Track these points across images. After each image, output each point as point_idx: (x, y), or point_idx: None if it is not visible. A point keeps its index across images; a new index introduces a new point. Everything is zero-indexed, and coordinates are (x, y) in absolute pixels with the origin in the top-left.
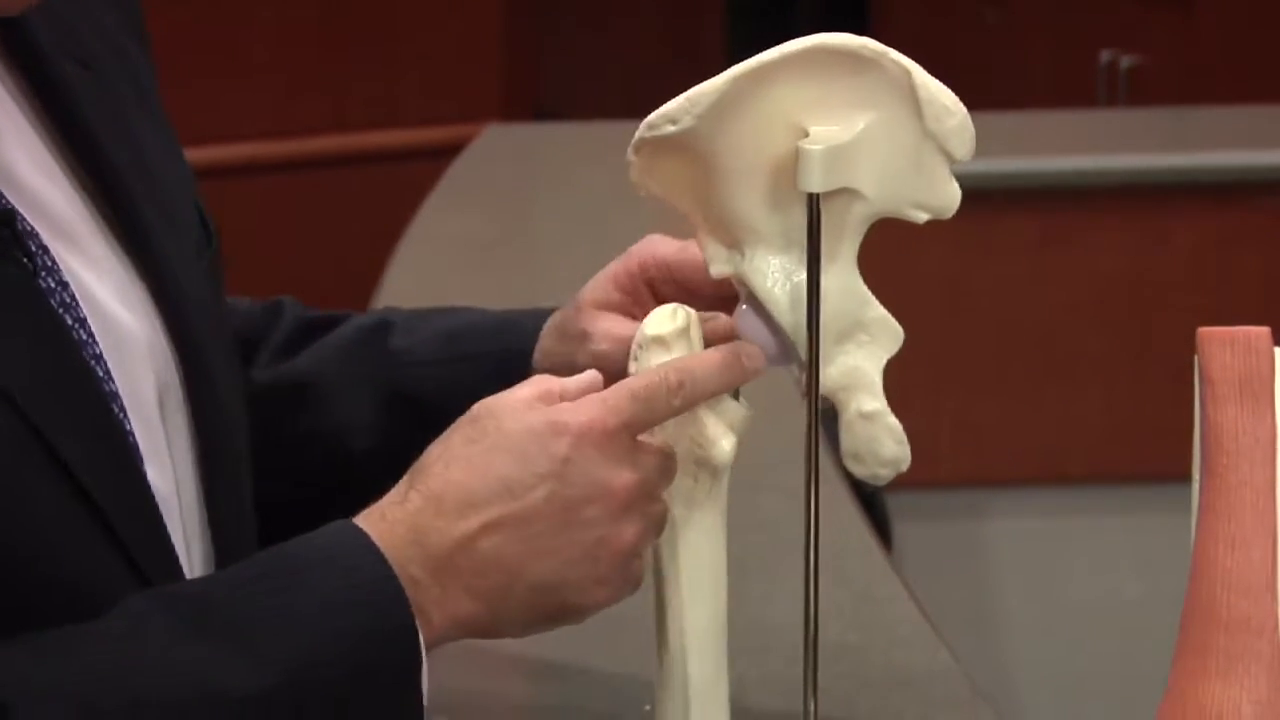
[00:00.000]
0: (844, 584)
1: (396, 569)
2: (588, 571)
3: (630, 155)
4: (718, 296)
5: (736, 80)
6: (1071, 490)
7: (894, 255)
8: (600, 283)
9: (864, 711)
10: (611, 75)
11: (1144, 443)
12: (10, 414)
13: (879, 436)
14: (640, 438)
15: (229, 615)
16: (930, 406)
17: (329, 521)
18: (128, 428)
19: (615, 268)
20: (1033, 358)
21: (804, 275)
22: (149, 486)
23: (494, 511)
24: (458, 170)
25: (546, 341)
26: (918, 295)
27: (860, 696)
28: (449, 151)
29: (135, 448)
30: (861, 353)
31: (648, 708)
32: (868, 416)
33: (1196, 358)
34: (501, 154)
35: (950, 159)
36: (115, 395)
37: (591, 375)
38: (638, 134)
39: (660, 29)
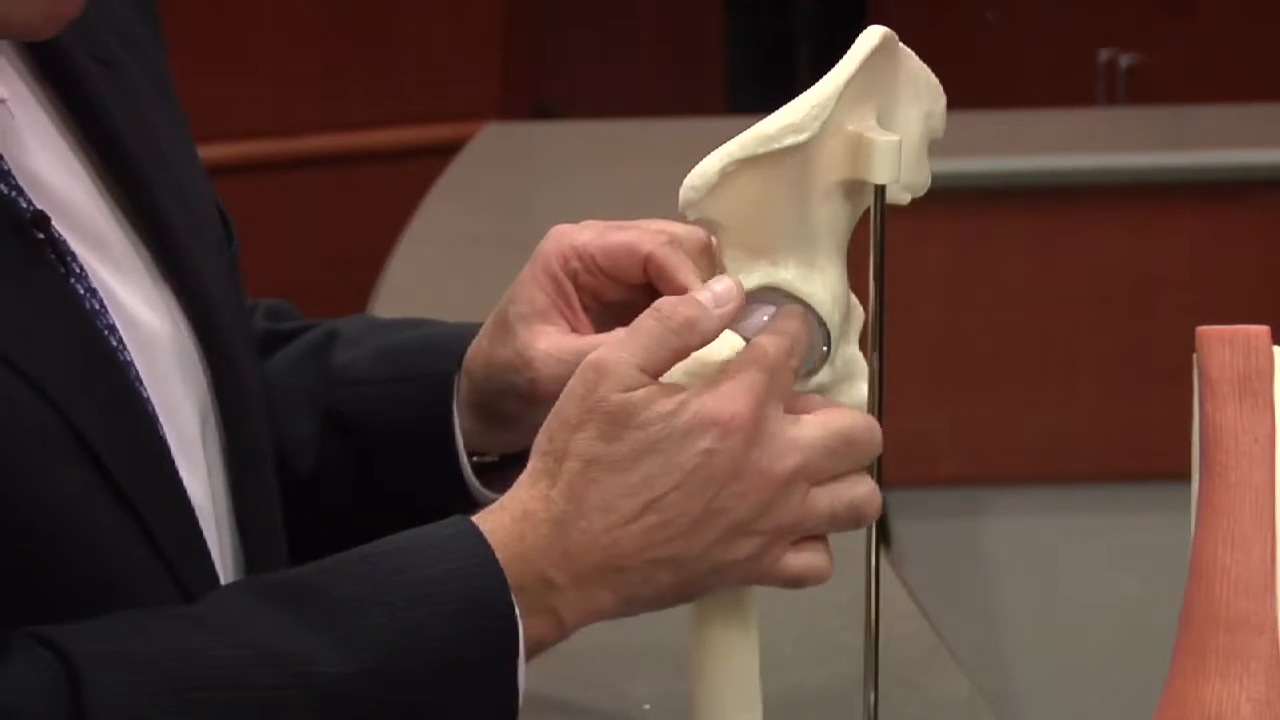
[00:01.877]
0: (842, 582)
1: (534, 569)
2: (726, 556)
3: (714, 177)
4: (639, 285)
5: (847, 83)
6: (1071, 489)
7: (893, 254)
8: (522, 291)
9: (862, 709)
10: (611, 74)
11: (1143, 441)
12: (53, 416)
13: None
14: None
15: (323, 597)
16: (929, 405)
17: (290, 540)
18: (160, 433)
19: (533, 270)
20: (1032, 356)
21: (834, 274)
22: (185, 492)
23: (636, 514)
24: (457, 169)
25: (477, 373)
26: (917, 294)
27: (858, 694)
28: (448, 150)
29: (170, 453)
30: (845, 340)
31: (647, 707)
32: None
33: (1196, 356)
34: (500, 153)
35: (934, 139)
36: (147, 401)
37: (728, 290)
38: (741, 152)
39: (660, 28)
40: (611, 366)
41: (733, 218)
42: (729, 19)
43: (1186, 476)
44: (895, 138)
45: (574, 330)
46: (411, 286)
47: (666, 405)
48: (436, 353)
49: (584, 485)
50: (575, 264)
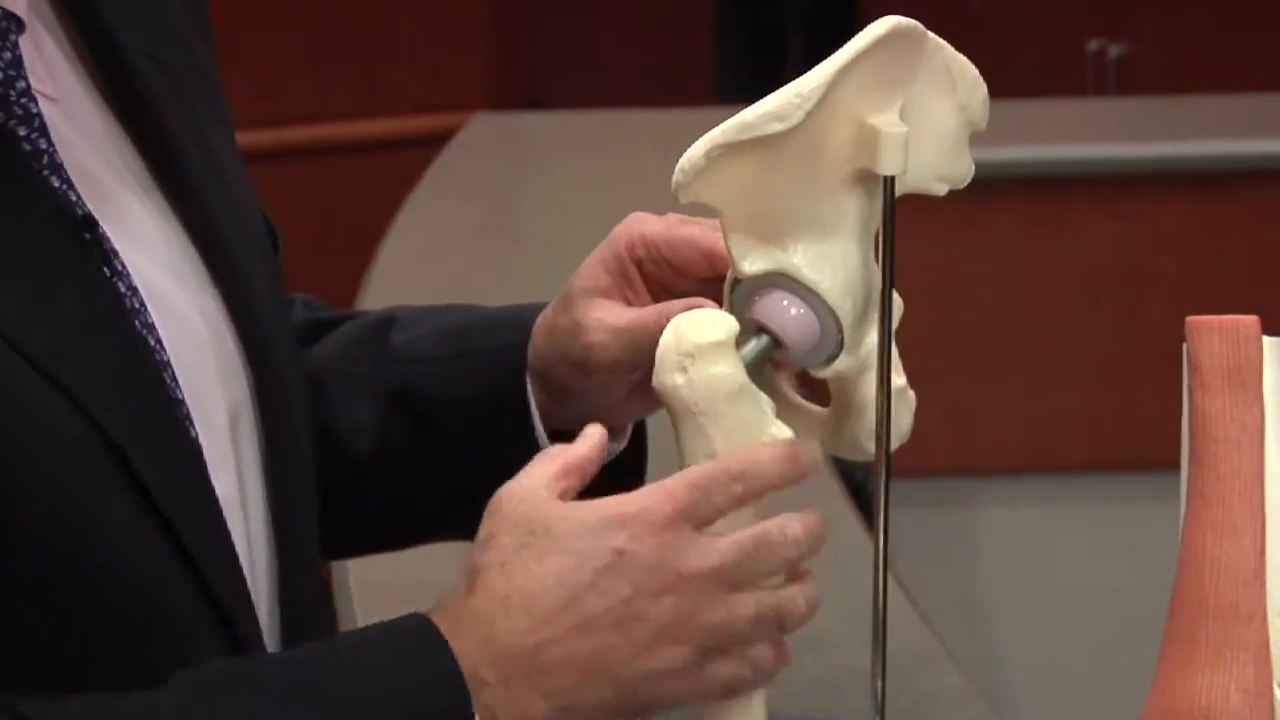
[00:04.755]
0: (833, 572)
1: (469, 667)
2: (655, 664)
3: (701, 161)
4: (708, 277)
5: (839, 72)
6: (1061, 478)
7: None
8: (589, 268)
9: (853, 699)
10: (601, 64)
11: (1133, 431)
12: (85, 424)
13: (902, 411)
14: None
15: (284, 695)
16: (920, 395)
17: (332, 524)
18: (192, 435)
19: (602, 251)
20: (1023, 346)
21: (848, 262)
22: (216, 497)
23: (556, 614)
24: (446, 159)
25: (539, 342)
26: (907, 283)
27: (849, 685)
28: (438, 140)
29: (200, 456)
30: (875, 329)
31: None
32: (898, 392)
33: (1185, 346)
34: (490, 143)
35: (975, 130)
36: (181, 402)
37: (597, 431)
38: (723, 138)
39: (650, 18)
40: (507, 489)
41: (728, 202)
42: (719, 9)
43: (1177, 466)
44: (903, 129)
45: None
46: (401, 276)
47: (571, 510)
48: (503, 328)
49: (505, 586)
50: (641, 252)
